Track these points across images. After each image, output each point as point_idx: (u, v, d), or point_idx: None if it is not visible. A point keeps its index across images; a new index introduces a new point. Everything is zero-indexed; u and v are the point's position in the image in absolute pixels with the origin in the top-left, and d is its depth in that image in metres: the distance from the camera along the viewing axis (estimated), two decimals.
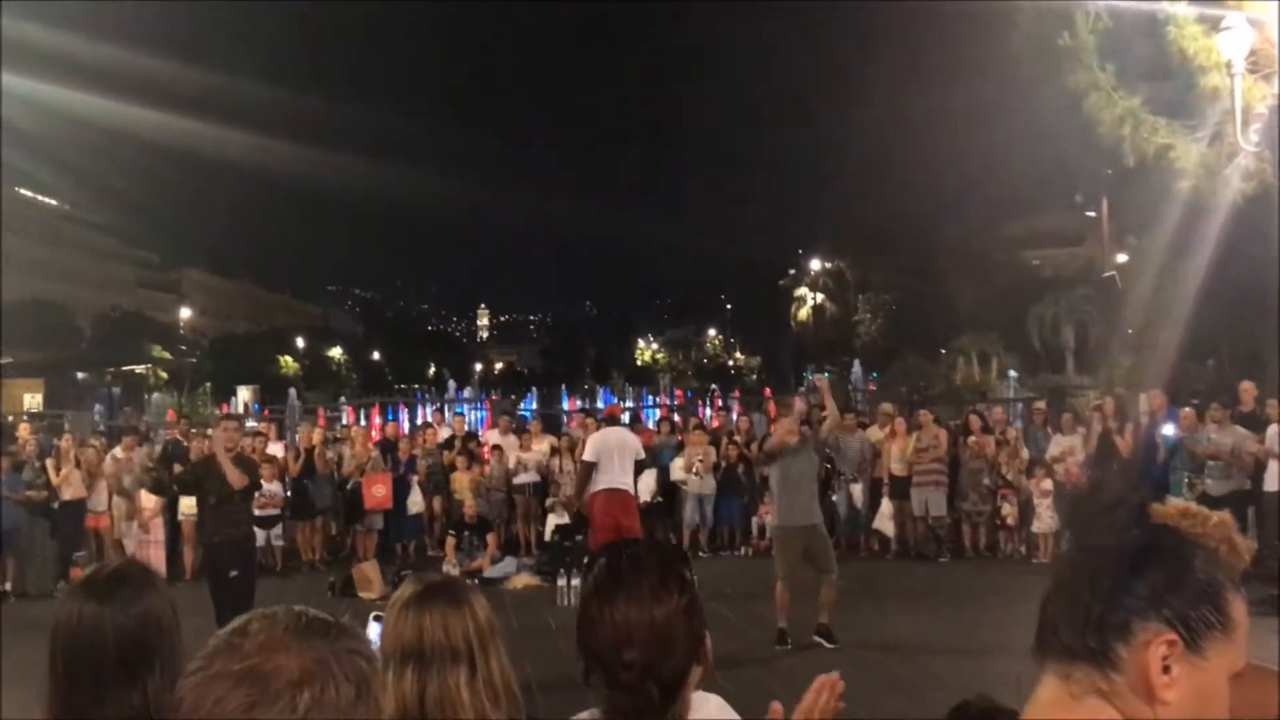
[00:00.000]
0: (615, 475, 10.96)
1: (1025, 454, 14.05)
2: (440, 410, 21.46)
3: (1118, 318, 31.79)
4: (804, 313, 59.07)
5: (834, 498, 14.51)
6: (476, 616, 2.24)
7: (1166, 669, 1.26)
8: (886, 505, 14.21)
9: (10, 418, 20.97)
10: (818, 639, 9.10)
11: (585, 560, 12.53)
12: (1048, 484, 13.42)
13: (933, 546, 13.96)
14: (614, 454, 10.96)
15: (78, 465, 13.39)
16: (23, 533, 13.06)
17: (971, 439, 14.13)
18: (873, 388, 32.44)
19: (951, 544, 14.07)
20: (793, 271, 62.51)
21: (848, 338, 52.36)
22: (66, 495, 13.21)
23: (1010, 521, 13.85)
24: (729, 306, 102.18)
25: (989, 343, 38.74)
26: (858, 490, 14.44)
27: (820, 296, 57.04)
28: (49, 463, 13.50)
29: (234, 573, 8.40)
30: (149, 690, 1.99)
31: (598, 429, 11.94)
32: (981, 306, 41.02)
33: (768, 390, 22.97)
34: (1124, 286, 31.21)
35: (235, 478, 8.54)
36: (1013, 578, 11.61)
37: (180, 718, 1.16)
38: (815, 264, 57.34)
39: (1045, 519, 13.37)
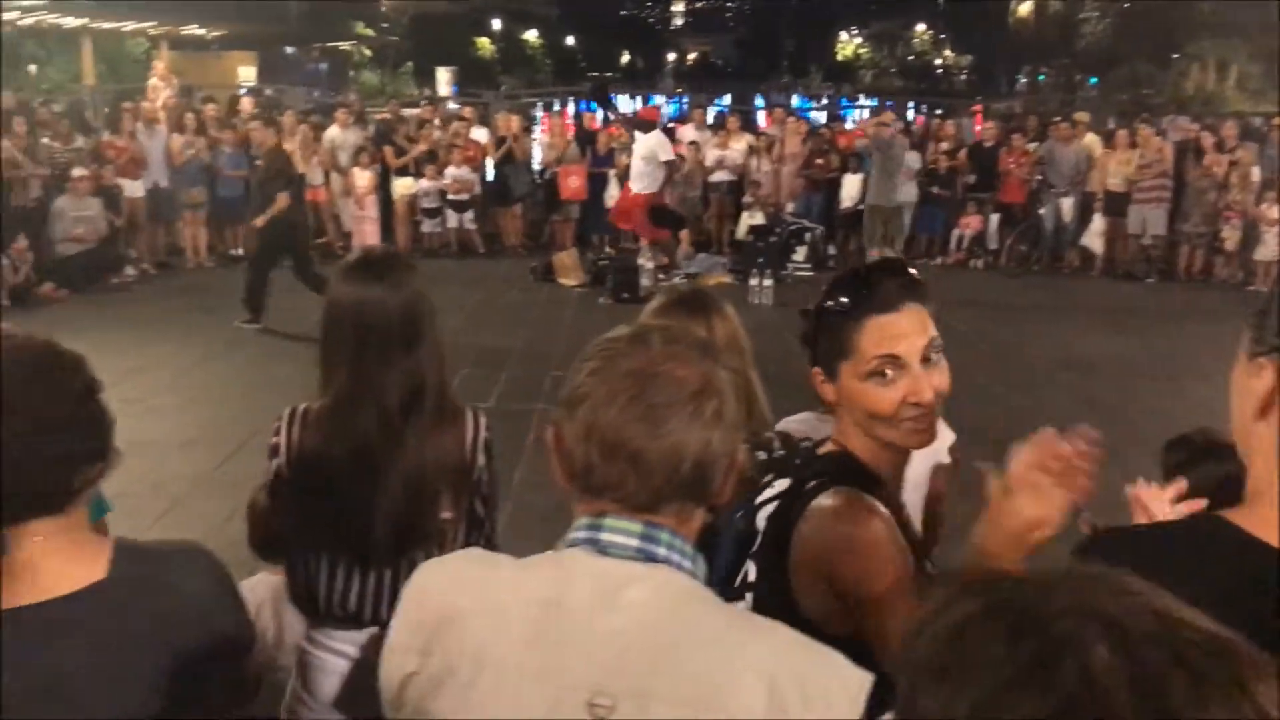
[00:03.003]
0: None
1: (1257, 175, 13.04)
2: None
3: None
4: (1025, 8, 54.82)
5: (1041, 211, 13.93)
6: (712, 329, 2.43)
7: None
8: (1099, 221, 13.58)
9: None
10: None
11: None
12: (1275, 211, 12.52)
13: (1141, 267, 13.40)
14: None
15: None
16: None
17: (1206, 158, 13.17)
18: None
19: (1162, 266, 13.47)
20: None
21: (1070, 38, 48.55)
22: None
23: (1229, 246, 13.09)
24: None
25: (1231, 49, 35.32)
26: (1068, 204, 13.79)
27: None
28: None
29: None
30: (420, 356, 2.32)
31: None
32: (1227, 6, 37.08)
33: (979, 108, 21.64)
34: None
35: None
36: (1222, 304, 11.11)
37: (587, 407, 1.26)
38: None
39: (1270, 245, 12.57)
